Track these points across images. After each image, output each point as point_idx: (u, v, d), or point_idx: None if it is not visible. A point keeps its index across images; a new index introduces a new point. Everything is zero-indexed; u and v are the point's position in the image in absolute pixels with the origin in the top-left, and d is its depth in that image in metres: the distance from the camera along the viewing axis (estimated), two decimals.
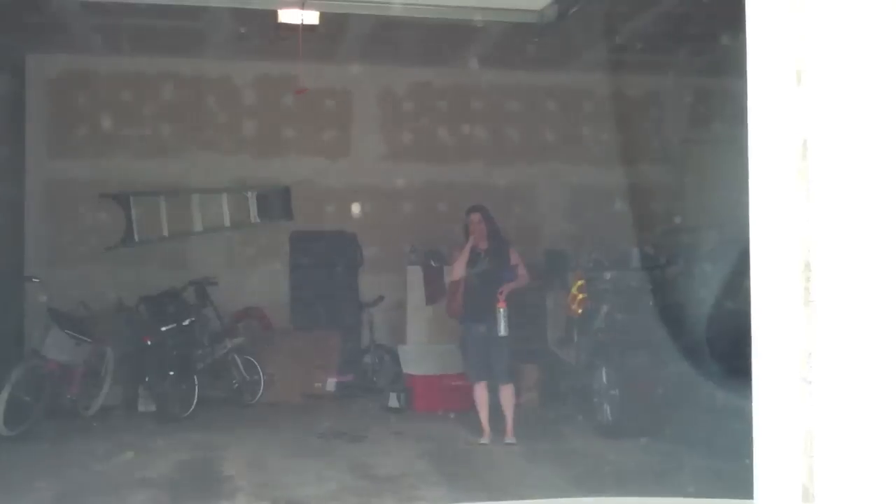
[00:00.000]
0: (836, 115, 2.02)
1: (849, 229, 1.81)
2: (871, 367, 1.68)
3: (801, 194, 1.96)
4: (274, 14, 8.58)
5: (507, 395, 8.45)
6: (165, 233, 11.72)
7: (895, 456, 1.68)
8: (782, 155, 2.11)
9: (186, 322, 10.16)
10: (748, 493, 2.15)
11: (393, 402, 10.29)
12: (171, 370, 9.87)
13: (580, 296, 9.48)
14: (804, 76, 2.09)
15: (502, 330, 8.20)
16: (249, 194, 12.05)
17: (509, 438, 8.33)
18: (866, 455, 1.69)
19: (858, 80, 2.03)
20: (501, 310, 8.20)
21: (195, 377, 9.98)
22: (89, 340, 9.58)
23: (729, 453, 4.91)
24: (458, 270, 8.57)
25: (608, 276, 9.69)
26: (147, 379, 10.02)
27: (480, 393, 8.49)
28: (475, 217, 8.66)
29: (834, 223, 1.84)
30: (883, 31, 2.11)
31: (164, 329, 9.94)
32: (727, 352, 6.59)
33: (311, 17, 8.49)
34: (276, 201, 12.11)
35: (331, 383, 11.10)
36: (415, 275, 11.28)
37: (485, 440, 8.34)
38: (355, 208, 11.84)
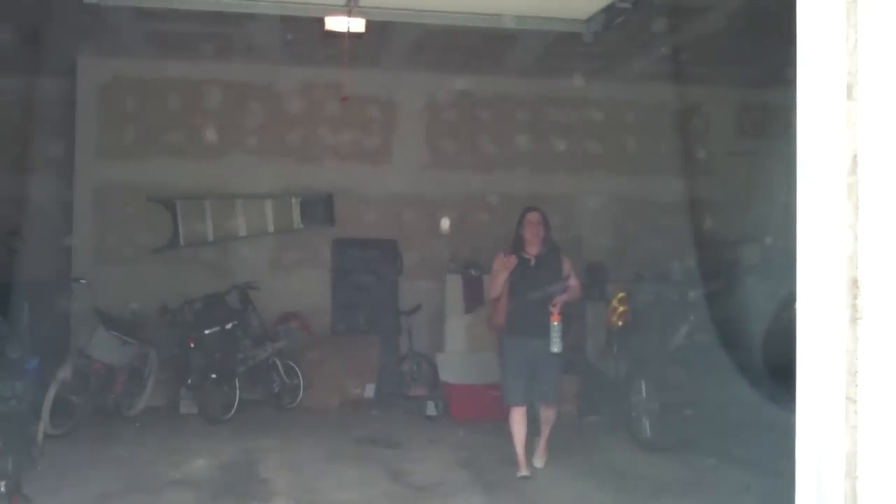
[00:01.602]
0: (887, 130, 1.99)
1: None
2: None
3: (850, 210, 1.93)
4: (321, 22, 8.63)
5: (549, 414, 7.69)
6: (210, 237, 11.85)
7: None
8: (831, 170, 2.09)
9: (229, 325, 10.27)
10: None
11: (430, 409, 10.29)
12: (213, 373, 9.99)
13: (620, 308, 9.41)
14: (855, 90, 2.06)
15: (556, 347, 7.30)
16: (293, 200, 12.14)
17: (539, 462, 7.69)
18: None
19: None
20: (555, 324, 7.28)
21: (236, 380, 10.08)
22: (134, 341, 9.71)
23: (771, 470, 4.86)
24: (497, 286, 7.58)
25: (651, 289, 9.62)
26: (189, 381, 10.14)
27: (518, 419, 7.50)
28: (533, 217, 7.67)
29: (883, 240, 1.81)
30: None
31: (207, 332, 10.06)
32: (773, 367, 6.51)
33: (358, 25, 8.53)
34: (319, 207, 12.19)
35: (369, 389, 11.14)
36: (454, 283, 11.29)
37: (523, 472, 7.45)
38: (403, 219, 11.85)
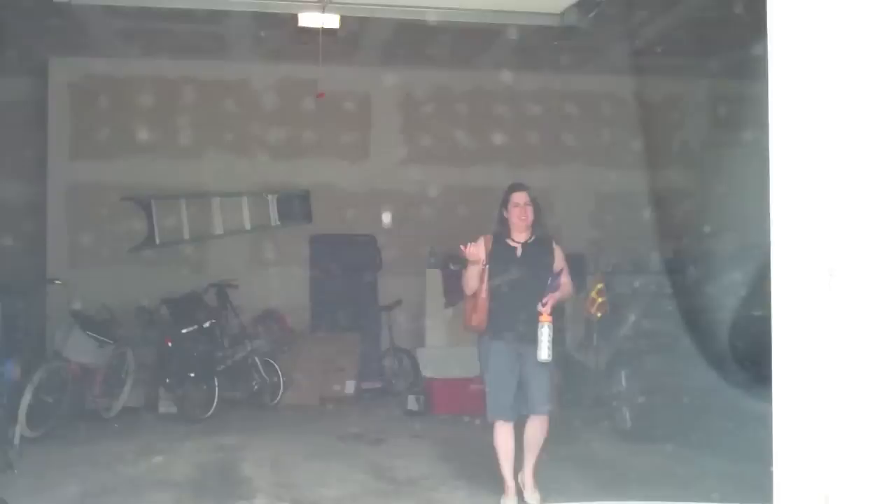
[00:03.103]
0: (861, 120, 2.00)
1: (873, 236, 1.79)
2: None
3: (825, 200, 1.94)
4: (294, 18, 8.60)
5: (537, 427, 6.39)
6: (186, 235, 11.80)
7: None
8: (805, 160, 2.10)
9: (207, 324, 10.23)
10: (768, 499, 2.14)
11: (412, 404, 10.30)
12: (191, 372, 9.94)
13: (599, 299, 9.43)
14: (829, 80, 2.07)
15: (545, 353, 6.11)
16: (269, 197, 12.10)
17: (531, 498, 6.40)
18: (890, 463, 1.67)
19: (883, 86, 2.02)
20: (546, 326, 6.10)
21: (215, 379, 10.04)
22: (111, 342, 9.65)
23: (749, 458, 4.89)
24: (471, 281, 6.32)
25: (628, 280, 9.65)
26: (168, 380, 10.08)
27: (504, 437, 6.37)
28: (519, 197, 6.38)
29: (858, 229, 1.83)
30: None
31: (184, 331, 10.02)
32: (749, 357, 6.56)
33: (332, 21, 8.51)
34: (296, 204, 12.17)
35: (350, 385, 11.14)
36: (433, 278, 11.29)
37: (510, 500, 6.43)
38: (380, 215, 11.81)
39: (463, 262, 6.41)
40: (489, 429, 7.43)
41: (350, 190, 12.16)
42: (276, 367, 10.64)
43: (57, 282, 10.24)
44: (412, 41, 10.80)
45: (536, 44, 10.56)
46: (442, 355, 10.81)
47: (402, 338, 11.69)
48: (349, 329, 11.60)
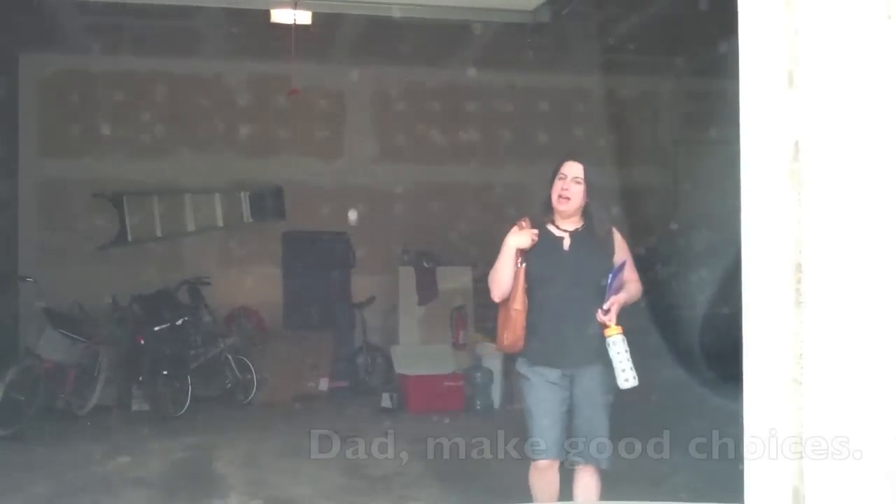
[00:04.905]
0: (827, 117, 2.03)
1: (840, 230, 1.82)
2: (863, 368, 1.69)
3: (793, 195, 1.97)
4: (267, 14, 8.57)
5: (591, 483, 4.80)
6: (159, 232, 11.73)
7: (886, 457, 1.69)
8: (774, 156, 2.13)
9: (179, 322, 10.18)
10: (739, 496, 2.17)
11: (386, 402, 10.30)
12: (164, 370, 9.89)
13: None
14: (796, 78, 2.10)
15: (629, 378, 4.59)
16: (242, 194, 12.04)
17: None
18: (857, 457, 1.70)
19: (850, 82, 2.05)
20: (617, 340, 4.57)
21: (188, 377, 10.00)
22: (83, 340, 9.59)
23: (720, 455, 4.93)
24: (500, 277, 4.70)
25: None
26: (140, 378, 10.04)
27: (549, 479, 4.71)
28: (570, 169, 4.82)
29: (826, 224, 1.86)
30: (873, 33, 2.13)
31: (157, 329, 9.97)
32: (719, 353, 6.61)
33: (304, 17, 8.50)
34: (269, 201, 12.12)
35: (323, 383, 11.12)
36: (407, 275, 11.29)
37: None
38: (354, 212, 11.78)
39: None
40: (463, 425, 7.46)
41: (323, 187, 12.12)
42: (250, 364, 10.61)
43: (28, 279, 10.15)
44: (385, 38, 10.78)
45: (509, 41, 10.57)
46: (416, 352, 10.83)
47: (375, 335, 11.68)
48: (322, 326, 11.58)
